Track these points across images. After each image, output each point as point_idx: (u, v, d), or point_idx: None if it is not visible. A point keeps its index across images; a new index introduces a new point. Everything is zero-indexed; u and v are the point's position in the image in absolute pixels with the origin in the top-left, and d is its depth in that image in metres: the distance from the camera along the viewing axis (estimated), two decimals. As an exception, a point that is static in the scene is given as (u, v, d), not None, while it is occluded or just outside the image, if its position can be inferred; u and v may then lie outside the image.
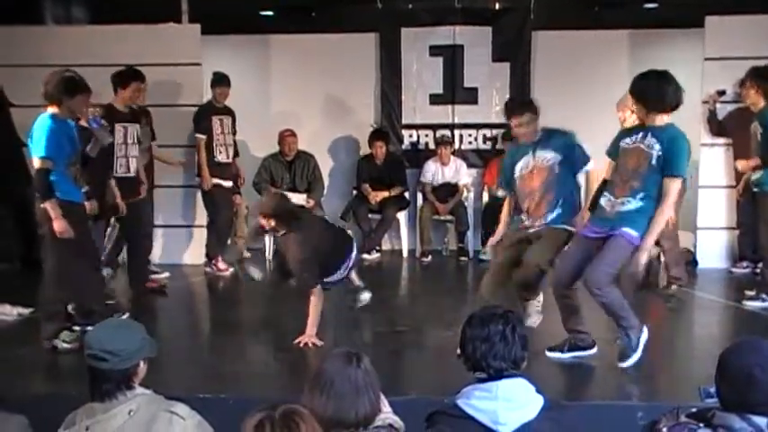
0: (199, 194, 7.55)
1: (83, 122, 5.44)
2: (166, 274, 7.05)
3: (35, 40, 7.62)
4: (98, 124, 5.35)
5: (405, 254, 8.38)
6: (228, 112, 7.38)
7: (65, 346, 4.66)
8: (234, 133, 7.44)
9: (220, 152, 7.27)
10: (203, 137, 7.16)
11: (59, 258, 4.76)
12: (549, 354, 4.48)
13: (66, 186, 4.76)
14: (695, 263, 7.35)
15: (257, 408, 2.03)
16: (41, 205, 4.66)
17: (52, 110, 4.71)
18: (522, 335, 2.60)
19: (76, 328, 4.79)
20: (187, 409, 2.57)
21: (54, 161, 4.64)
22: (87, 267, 4.91)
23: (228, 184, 7.38)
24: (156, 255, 7.42)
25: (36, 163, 4.65)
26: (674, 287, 6.33)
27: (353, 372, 2.45)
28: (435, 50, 8.59)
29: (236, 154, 7.48)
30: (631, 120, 5.60)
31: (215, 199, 7.29)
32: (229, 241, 7.87)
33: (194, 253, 7.73)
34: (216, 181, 7.22)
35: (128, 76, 6.22)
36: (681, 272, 6.39)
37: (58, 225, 4.62)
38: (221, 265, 7.39)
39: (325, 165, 8.49)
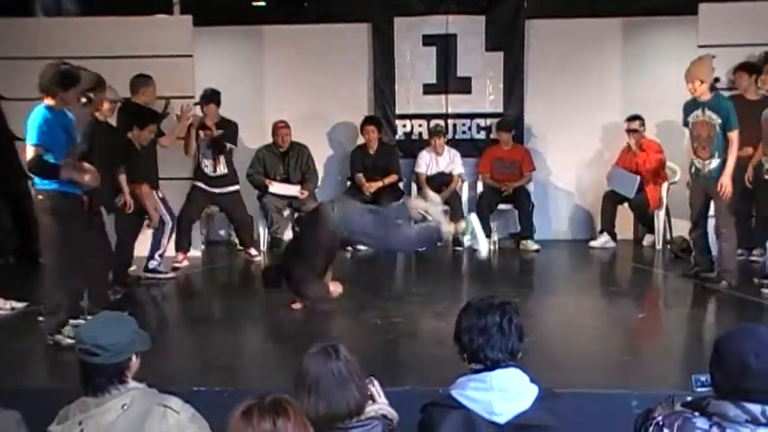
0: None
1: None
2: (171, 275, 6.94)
3: (25, 32, 7.58)
4: None
5: (399, 244, 8.36)
6: (223, 126, 7.45)
7: (67, 341, 4.62)
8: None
9: (206, 166, 7.41)
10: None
11: (58, 252, 4.75)
12: None
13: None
14: (691, 251, 7.34)
15: (247, 397, 2.04)
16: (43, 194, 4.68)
17: (47, 101, 4.72)
18: (519, 325, 2.60)
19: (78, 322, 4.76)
20: (180, 402, 2.56)
21: (47, 149, 4.62)
22: (77, 261, 4.90)
23: (214, 189, 7.45)
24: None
25: (29, 151, 4.62)
26: (723, 282, 5.95)
27: (335, 365, 2.46)
28: (428, 40, 8.56)
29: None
30: (702, 89, 5.78)
31: (189, 194, 7.43)
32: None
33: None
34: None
35: (147, 120, 6.42)
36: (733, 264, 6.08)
37: (90, 178, 4.73)
38: (252, 251, 7.64)
39: (319, 156, 8.46)
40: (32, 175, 4.80)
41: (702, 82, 5.80)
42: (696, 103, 5.91)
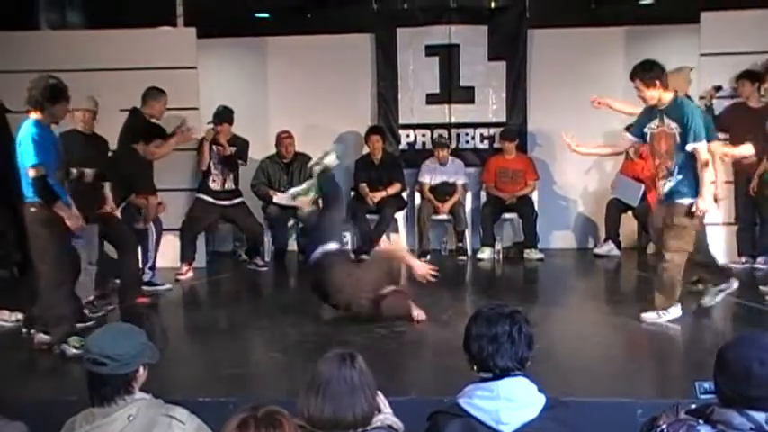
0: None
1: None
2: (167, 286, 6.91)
3: (31, 45, 7.61)
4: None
5: (403, 254, 8.36)
6: (234, 143, 7.56)
7: (73, 351, 4.63)
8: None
9: (214, 181, 7.54)
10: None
11: (55, 262, 4.77)
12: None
13: (56, 190, 4.79)
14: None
15: (240, 409, 2.05)
16: (34, 209, 4.70)
17: (35, 116, 4.74)
18: (528, 334, 2.59)
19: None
20: (186, 413, 2.57)
21: (44, 166, 4.65)
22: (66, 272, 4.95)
23: (221, 201, 7.57)
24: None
25: (31, 173, 4.65)
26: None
27: (348, 372, 2.46)
28: (431, 50, 8.58)
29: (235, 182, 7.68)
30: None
31: (193, 207, 7.55)
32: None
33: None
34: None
35: (154, 135, 6.52)
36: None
37: (73, 223, 4.73)
38: (259, 261, 7.73)
39: (323, 166, 8.46)
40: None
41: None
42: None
